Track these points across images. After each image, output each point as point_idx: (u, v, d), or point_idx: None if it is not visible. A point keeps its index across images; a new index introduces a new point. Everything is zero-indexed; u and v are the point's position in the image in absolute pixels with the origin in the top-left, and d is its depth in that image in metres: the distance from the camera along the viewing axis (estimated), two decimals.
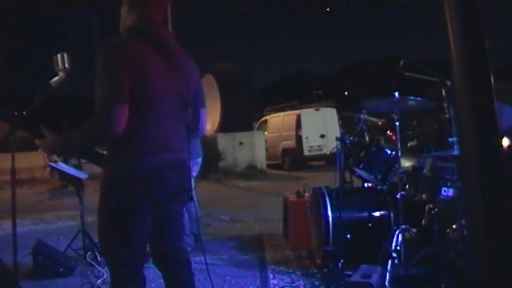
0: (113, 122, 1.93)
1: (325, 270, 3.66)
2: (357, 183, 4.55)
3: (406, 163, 3.90)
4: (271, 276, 3.83)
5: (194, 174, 4.82)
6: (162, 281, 2.38)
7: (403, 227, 3.50)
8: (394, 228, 3.56)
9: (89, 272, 4.06)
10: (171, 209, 2.27)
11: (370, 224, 3.81)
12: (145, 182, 2.05)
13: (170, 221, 2.29)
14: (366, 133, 4.13)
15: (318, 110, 16.49)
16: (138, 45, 2.06)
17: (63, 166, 4.75)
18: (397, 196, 3.60)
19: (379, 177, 4.03)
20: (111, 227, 2.10)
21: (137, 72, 2.00)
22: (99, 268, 4.08)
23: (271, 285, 3.63)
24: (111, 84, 1.97)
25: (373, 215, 3.85)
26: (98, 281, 3.81)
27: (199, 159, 4.80)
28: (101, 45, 2.09)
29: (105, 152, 2.20)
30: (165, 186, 2.14)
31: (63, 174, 4.78)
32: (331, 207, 3.76)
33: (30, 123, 2.26)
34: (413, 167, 3.81)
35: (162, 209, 2.19)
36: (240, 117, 13.57)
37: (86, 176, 4.61)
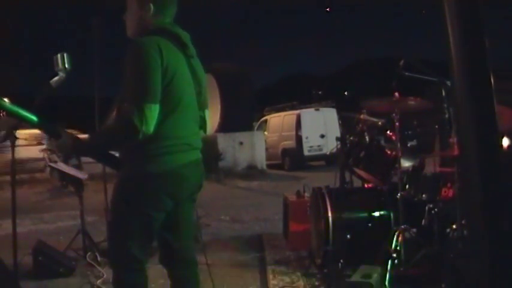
0: (145, 122, 1.93)
1: (325, 270, 3.66)
2: (357, 183, 4.55)
3: (406, 163, 3.89)
4: (271, 276, 3.83)
5: None
6: (162, 281, 2.39)
7: (403, 227, 3.50)
8: (394, 228, 3.55)
9: (89, 272, 4.07)
10: (187, 208, 2.31)
11: (370, 224, 3.81)
12: (173, 181, 2.09)
13: (185, 220, 2.33)
14: (365, 133, 4.13)
15: (318, 110, 16.48)
16: (167, 46, 2.09)
17: (63, 166, 4.75)
18: (397, 196, 3.60)
19: (379, 177, 4.03)
20: (129, 222, 2.12)
21: (168, 73, 2.03)
22: (99, 268, 4.08)
23: (271, 285, 3.63)
24: (145, 84, 1.97)
25: (373, 215, 3.84)
26: (98, 281, 3.81)
27: None
28: (130, 44, 2.07)
29: (117, 154, 2.21)
30: (188, 185, 2.20)
31: (63, 174, 4.77)
32: (331, 207, 3.76)
33: (49, 123, 2.22)
34: (413, 167, 3.80)
35: (179, 208, 2.22)
36: (240, 117, 13.57)
37: (86, 176, 4.61)
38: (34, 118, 2.16)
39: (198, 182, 2.28)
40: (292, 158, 15.46)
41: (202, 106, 2.33)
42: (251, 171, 13.36)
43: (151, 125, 1.95)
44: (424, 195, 3.59)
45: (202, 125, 2.37)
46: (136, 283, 2.17)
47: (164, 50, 2.03)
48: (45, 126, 2.24)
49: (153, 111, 1.96)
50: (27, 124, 2.24)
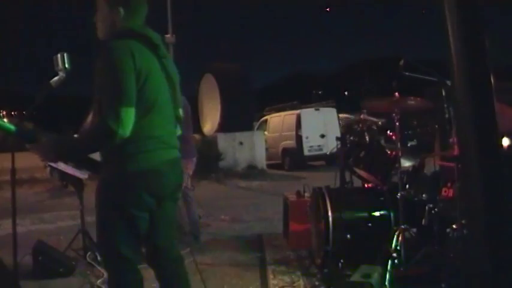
0: (121, 125, 1.97)
1: (325, 270, 3.66)
2: (357, 183, 4.55)
3: (406, 163, 3.89)
4: (271, 276, 3.83)
5: (191, 172, 4.83)
6: None
7: (403, 227, 3.50)
8: (394, 228, 3.55)
9: (89, 272, 4.06)
10: (168, 207, 2.33)
11: (370, 224, 3.81)
12: (152, 178, 2.13)
13: (167, 219, 2.35)
14: (365, 133, 4.13)
15: (318, 110, 16.47)
16: (139, 49, 2.11)
17: (63, 166, 4.74)
18: (397, 196, 3.60)
19: (379, 177, 4.03)
20: (114, 223, 2.14)
21: (141, 76, 2.06)
22: (99, 268, 4.07)
23: (271, 285, 3.63)
24: (120, 88, 2.00)
25: (373, 215, 3.84)
26: (98, 281, 3.81)
27: (195, 158, 4.83)
28: (102, 48, 2.09)
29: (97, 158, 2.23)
30: (168, 183, 2.23)
31: (63, 174, 4.77)
32: (331, 207, 3.76)
33: (26, 131, 2.20)
34: (413, 167, 3.80)
35: (161, 207, 2.25)
36: (240, 117, 13.56)
37: (86, 176, 4.60)
38: (11, 127, 2.15)
39: (177, 181, 2.32)
40: (292, 158, 15.46)
41: (177, 105, 2.36)
42: (251, 171, 13.35)
43: (127, 128, 1.99)
44: (424, 195, 3.59)
45: (179, 123, 2.41)
46: (130, 283, 2.19)
47: (136, 53, 2.06)
48: (23, 135, 2.21)
49: (129, 114, 2.00)
50: (4, 134, 2.21)
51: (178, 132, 2.42)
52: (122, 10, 2.20)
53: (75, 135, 2.37)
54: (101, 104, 2.02)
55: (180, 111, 2.42)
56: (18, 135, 2.22)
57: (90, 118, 2.53)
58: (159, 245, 2.34)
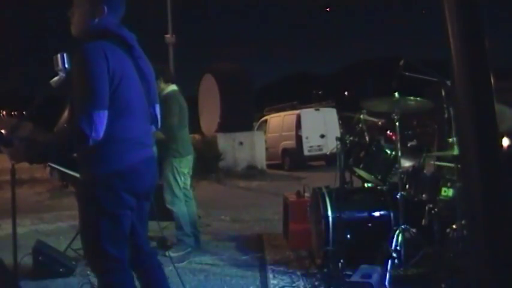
0: (94, 129, 1.98)
1: (325, 270, 3.66)
2: (357, 183, 4.55)
3: (406, 163, 3.89)
4: (271, 276, 3.83)
5: (187, 171, 4.82)
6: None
7: (403, 227, 3.50)
8: (394, 228, 3.55)
9: (88, 272, 4.06)
10: (144, 208, 2.38)
11: (370, 224, 3.81)
12: (130, 177, 2.15)
13: (142, 218, 2.39)
14: (365, 133, 4.13)
15: (318, 110, 16.48)
16: (113, 50, 2.10)
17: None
18: (397, 196, 3.60)
19: (379, 177, 4.03)
20: (98, 224, 2.14)
21: (115, 78, 2.06)
22: None
23: (271, 285, 3.63)
24: (92, 91, 2.00)
25: (373, 215, 3.85)
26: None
27: (191, 156, 4.83)
28: (76, 50, 2.09)
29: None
30: (145, 181, 2.25)
31: (63, 174, 4.77)
32: (331, 207, 3.76)
33: None
34: (413, 167, 3.80)
35: (137, 207, 2.28)
36: (240, 117, 13.56)
37: None
38: None
39: (153, 179, 2.35)
40: (292, 158, 15.47)
41: (152, 102, 2.37)
42: (251, 171, 13.34)
43: (100, 131, 2.00)
44: (424, 195, 3.59)
45: (154, 121, 2.42)
46: (123, 282, 2.21)
47: (109, 55, 2.05)
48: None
49: (102, 118, 2.00)
50: None
51: (153, 130, 2.45)
52: (105, 8, 2.19)
53: (48, 137, 2.34)
54: (74, 106, 2.04)
55: (157, 108, 2.43)
56: None
57: (65, 115, 2.51)
58: (138, 244, 2.37)
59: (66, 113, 2.30)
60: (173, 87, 4.69)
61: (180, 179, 4.66)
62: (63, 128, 2.13)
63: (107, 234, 2.14)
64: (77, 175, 4.54)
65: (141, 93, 2.26)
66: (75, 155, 2.25)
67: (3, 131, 2.17)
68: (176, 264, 4.16)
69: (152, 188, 2.37)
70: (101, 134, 2.00)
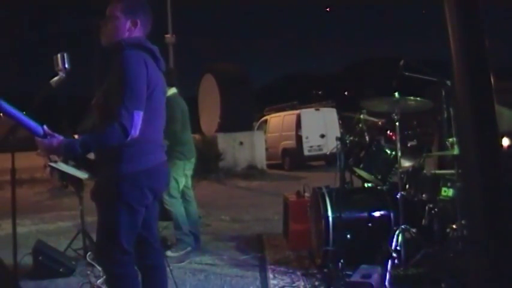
0: (134, 126, 2.16)
1: (325, 270, 3.66)
2: (357, 183, 4.55)
3: (406, 163, 3.89)
4: (271, 276, 3.83)
5: (189, 172, 4.84)
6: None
7: (403, 227, 3.50)
8: (394, 228, 3.56)
9: (89, 272, 4.06)
10: (155, 206, 2.57)
11: (370, 224, 3.81)
12: (154, 176, 2.35)
13: (154, 218, 2.58)
14: (365, 133, 4.14)
15: (318, 110, 16.46)
16: (149, 62, 2.32)
17: (63, 166, 4.74)
18: (397, 196, 3.60)
19: (379, 177, 4.03)
20: (119, 218, 2.29)
21: (150, 85, 2.28)
22: (99, 268, 4.07)
23: (271, 285, 3.63)
24: (135, 93, 2.19)
25: (373, 215, 3.85)
26: (98, 281, 3.80)
27: (193, 159, 4.85)
28: (117, 57, 2.25)
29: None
30: (162, 181, 2.49)
31: (63, 174, 4.77)
32: (331, 207, 3.76)
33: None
34: (413, 167, 3.80)
35: (151, 205, 2.46)
36: (240, 117, 13.55)
37: (86, 176, 4.60)
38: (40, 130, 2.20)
39: (167, 180, 2.66)
40: (292, 158, 15.46)
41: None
42: (251, 171, 13.34)
43: (137, 130, 2.18)
44: (424, 195, 3.59)
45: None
46: (132, 275, 2.36)
47: (148, 64, 2.28)
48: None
49: (140, 117, 2.19)
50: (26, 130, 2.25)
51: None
52: (139, 22, 2.37)
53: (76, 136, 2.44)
54: (113, 107, 2.18)
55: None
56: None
57: (91, 121, 2.62)
58: (150, 240, 2.53)
59: (96, 115, 2.41)
60: (173, 90, 4.70)
61: (181, 180, 4.68)
62: (103, 124, 2.26)
63: (124, 228, 2.29)
64: (77, 175, 4.56)
65: (163, 103, 2.47)
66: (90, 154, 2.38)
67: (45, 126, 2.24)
68: (176, 264, 4.18)
69: (165, 187, 2.59)
70: (137, 132, 2.17)
